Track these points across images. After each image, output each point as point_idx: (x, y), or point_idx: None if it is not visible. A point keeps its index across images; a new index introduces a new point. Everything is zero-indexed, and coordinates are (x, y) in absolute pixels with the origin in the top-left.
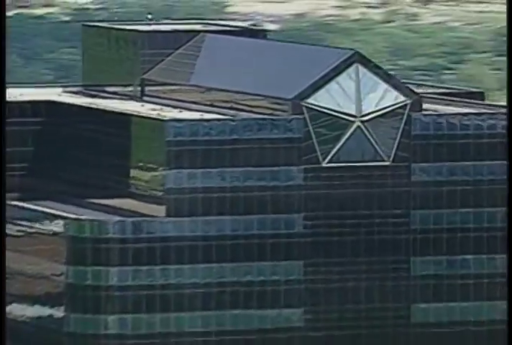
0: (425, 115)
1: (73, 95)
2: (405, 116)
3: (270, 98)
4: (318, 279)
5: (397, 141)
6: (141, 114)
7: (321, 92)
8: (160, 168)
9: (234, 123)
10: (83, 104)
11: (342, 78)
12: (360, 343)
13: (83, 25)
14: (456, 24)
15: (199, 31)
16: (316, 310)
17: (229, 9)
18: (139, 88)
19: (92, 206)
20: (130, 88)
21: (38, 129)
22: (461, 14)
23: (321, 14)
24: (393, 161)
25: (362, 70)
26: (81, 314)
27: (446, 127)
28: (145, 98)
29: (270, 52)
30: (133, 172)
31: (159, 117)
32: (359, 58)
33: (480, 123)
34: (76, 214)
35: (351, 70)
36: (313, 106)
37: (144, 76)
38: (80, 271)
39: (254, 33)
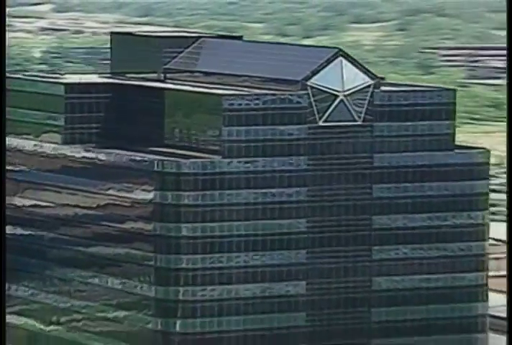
0: (382, 91)
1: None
2: (370, 92)
3: (282, 80)
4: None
5: (365, 108)
6: (202, 91)
7: (318, 76)
8: (216, 127)
9: (265, 98)
10: (138, 83)
11: (331, 67)
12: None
13: (112, 33)
14: None
15: (200, 37)
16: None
17: None
18: (162, 75)
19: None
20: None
21: (106, 101)
22: None
23: None
24: (363, 121)
25: (344, 61)
26: (165, 223)
27: (395, 99)
28: (168, 81)
29: (270, 51)
30: (195, 130)
31: (217, 92)
32: (342, 54)
33: (418, 97)
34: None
35: (337, 61)
36: (314, 85)
37: (166, 66)
38: (165, 194)
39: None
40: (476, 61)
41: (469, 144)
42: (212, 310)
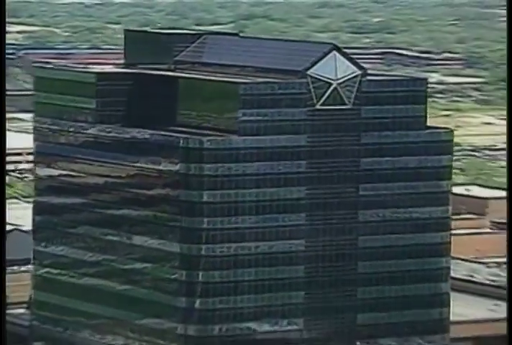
0: (368, 80)
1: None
2: (358, 80)
3: (284, 70)
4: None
5: (354, 94)
6: (220, 79)
7: (316, 67)
8: (233, 110)
9: (273, 85)
10: (158, 73)
11: (327, 59)
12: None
13: (125, 30)
14: None
15: (203, 34)
16: None
17: None
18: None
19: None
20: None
21: (129, 87)
22: None
23: None
24: (352, 105)
25: (337, 54)
26: (189, 190)
27: (378, 86)
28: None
29: (269, 45)
30: (211, 113)
31: (234, 81)
32: (335, 48)
33: (396, 85)
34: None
35: (331, 54)
36: (312, 75)
37: (176, 58)
38: (189, 166)
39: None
40: None
41: None
42: (228, 263)
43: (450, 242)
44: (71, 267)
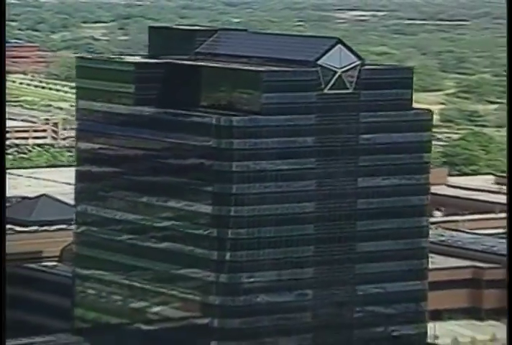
0: (365, 69)
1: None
2: (358, 69)
3: (297, 60)
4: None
5: (354, 80)
6: (246, 68)
7: (324, 57)
8: (257, 94)
9: (290, 73)
10: (187, 62)
11: (333, 51)
12: None
13: (149, 27)
14: None
15: (218, 30)
16: None
17: None
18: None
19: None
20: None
21: (162, 75)
22: None
23: None
24: (353, 89)
25: (341, 47)
26: (220, 161)
27: (374, 74)
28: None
29: (279, 39)
30: (236, 96)
31: (257, 69)
32: (340, 42)
33: (388, 73)
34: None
35: (336, 47)
36: (321, 64)
37: (196, 50)
38: (220, 141)
39: None
40: None
41: None
42: (253, 222)
43: (427, 205)
44: (110, 226)
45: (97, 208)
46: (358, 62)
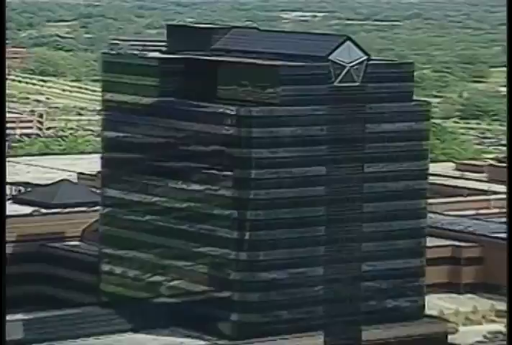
0: (371, 64)
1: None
2: (364, 63)
3: (311, 56)
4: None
5: (361, 74)
6: (263, 63)
7: (335, 53)
8: (275, 87)
9: (305, 67)
10: (207, 58)
11: (342, 48)
12: None
13: (167, 25)
14: None
15: (232, 27)
16: None
17: None
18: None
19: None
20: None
21: (183, 69)
22: None
23: None
24: (361, 82)
25: (350, 44)
26: (240, 148)
27: (378, 68)
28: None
29: (290, 37)
30: (254, 89)
31: (275, 64)
32: (349, 39)
33: (391, 67)
34: None
35: (346, 44)
36: (332, 59)
37: (212, 47)
38: (240, 130)
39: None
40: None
41: None
42: (270, 204)
43: (426, 189)
44: (134, 207)
45: (122, 191)
46: (365, 58)
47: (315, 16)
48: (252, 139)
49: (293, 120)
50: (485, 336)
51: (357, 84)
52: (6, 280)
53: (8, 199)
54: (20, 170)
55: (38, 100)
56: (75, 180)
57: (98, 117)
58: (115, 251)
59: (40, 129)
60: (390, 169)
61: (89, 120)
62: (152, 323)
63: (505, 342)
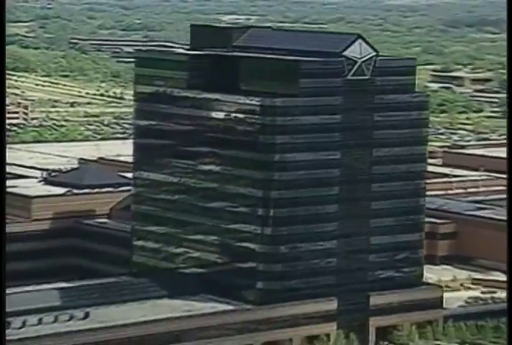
0: (380, 59)
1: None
2: (373, 59)
3: (326, 52)
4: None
5: (371, 68)
6: (285, 58)
7: (348, 50)
8: (295, 80)
9: (321, 62)
10: (236, 54)
11: (355, 45)
12: None
13: (191, 25)
14: None
15: (250, 27)
16: None
17: None
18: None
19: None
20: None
21: (212, 63)
22: None
23: None
24: (370, 76)
25: (361, 42)
26: (264, 135)
27: (385, 63)
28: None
29: (305, 35)
30: (274, 82)
31: (295, 59)
32: (360, 37)
33: (396, 62)
34: None
35: (357, 42)
36: (346, 55)
37: (233, 44)
38: (265, 118)
39: None
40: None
41: None
42: (291, 184)
43: (425, 171)
44: (164, 187)
45: (153, 173)
46: (374, 54)
47: (249, 19)
48: (275, 126)
49: (311, 109)
50: (465, 301)
51: (366, 77)
52: (42, 254)
53: (40, 181)
54: (22, 156)
55: (15, 94)
56: (75, 165)
57: (73, 109)
58: (146, 227)
59: (26, 120)
60: (394, 153)
61: (66, 111)
62: (183, 290)
63: (483, 306)
